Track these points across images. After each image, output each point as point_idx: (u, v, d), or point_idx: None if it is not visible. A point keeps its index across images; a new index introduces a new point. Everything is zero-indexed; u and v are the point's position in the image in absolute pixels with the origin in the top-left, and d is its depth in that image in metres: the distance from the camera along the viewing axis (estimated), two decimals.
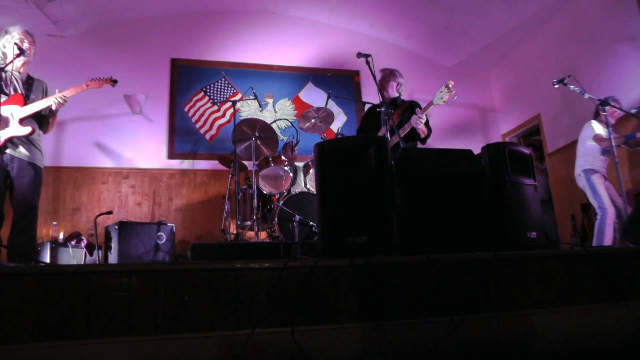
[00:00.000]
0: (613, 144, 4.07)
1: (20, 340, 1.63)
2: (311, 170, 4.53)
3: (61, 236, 4.90)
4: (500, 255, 2.11)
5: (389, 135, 3.60)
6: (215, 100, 6.09)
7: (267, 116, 6.10)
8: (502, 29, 6.04)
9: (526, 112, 6.36)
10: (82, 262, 4.38)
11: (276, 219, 4.24)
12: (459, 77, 6.79)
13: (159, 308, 1.75)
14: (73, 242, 4.57)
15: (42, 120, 3.31)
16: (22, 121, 3.12)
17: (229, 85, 6.12)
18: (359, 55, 3.55)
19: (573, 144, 4.88)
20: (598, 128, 4.40)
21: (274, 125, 5.36)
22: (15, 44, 3.12)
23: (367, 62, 3.45)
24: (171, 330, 1.74)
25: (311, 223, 4.15)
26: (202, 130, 5.95)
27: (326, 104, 5.14)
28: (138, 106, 5.70)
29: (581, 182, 4.47)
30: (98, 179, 5.49)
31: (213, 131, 5.98)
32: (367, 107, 4.84)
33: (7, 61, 3.13)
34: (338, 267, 1.94)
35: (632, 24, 4.74)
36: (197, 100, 6.03)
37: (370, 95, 6.10)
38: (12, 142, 3.09)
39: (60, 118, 3.55)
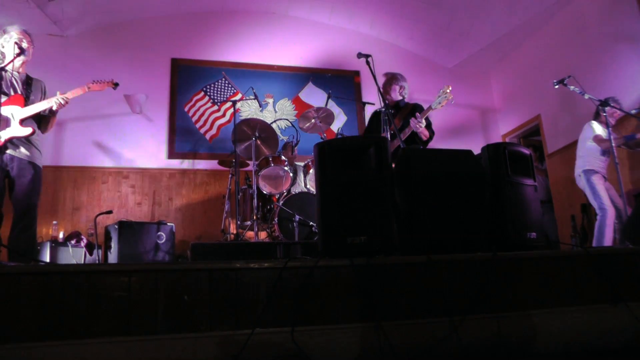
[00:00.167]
0: (613, 144, 4.07)
1: (20, 340, 1.63)
2: (311, 171, 4.53)
3: (61, 236, 4.90)
4: (500, 256, 2.11)
5: (389, 137, 3.60)
6: (216, 100, 6.09)
7: (267, 116, 6.10)
8: (502, 29, 6.04)
9: (526, 113, 6.37)
10: (82, 262, 4.38)
11: (276, 219, 4.24)
12: (460, 77, 6.83)
13: (159, 308, 1.75)
14: (73, 242, 4.57)
15: (41, 120, 3.31)
16: (23, 122, 3.12)
17: (229, 85, 6.12)
18: (359, 55, 3.55)
19: (573, 145, 4.88)
20: (598, 129, 4.40)
21: (274, 125, 5.36)
22: (16, 43, 3.12)
23: (368, 63, 3.45)
24: (171, 330, 1.74)
25: (311, 223, 4.15)
26: (202, 130, 5.95)
27: (326, 104, 5.14)
28: (138, 106, 5.71)
29: (581, 182, 4.47)
30: (98, 179, 5.49)
31: (213, 131, 5.98)
32: (367, 107, 4.86)
33: (7, 61, 3.12)
34: (338, 267, 1.94)
35: (632, 25, 4.74)
36: (197, 100, 6.03)
37: (371, 96, 6.10)
38: (11, 142, 3.09)
39: (60, 117, 3.56)
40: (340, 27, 6.66)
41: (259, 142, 4.64)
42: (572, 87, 4.21)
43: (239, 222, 4.40)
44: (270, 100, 6.26)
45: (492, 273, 2.07)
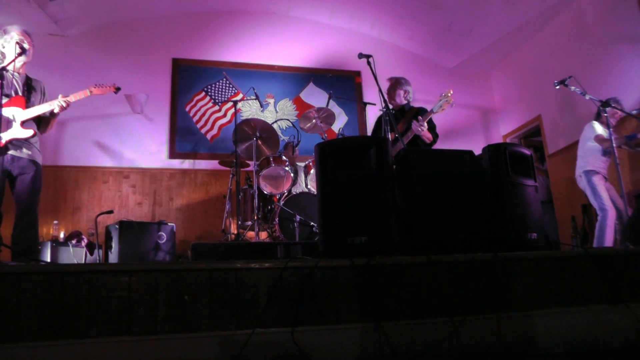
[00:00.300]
0: (614, 144, 4.07)
1: (21, 339, 1.63)
2: (312, 171, 4.53)
3: (62, 235, 4.91)
4: (500, 256, 2.11)
5: (390, 138, 3.60)
6: (217, 100, 6.10)
7: (268, 116, 6.11)
8: (503, 30, 6.04)
9: (527, 113, 6.36)
10: (83, 262, 4.38)
11: (277, 219, 4.24)
12: (460, 78, 6.83)
13: (159, 308, 1.76)
14: (73, 242, 4.57)
15: (40, 121, 3.31)
16: (24, 123, 3.13)
17: (230, 85, 6.13)
18: (360, 55, 3.55)
19: (574, 145, 4.88)
20: (599, 129, 4.39)
21: (275, 126, 5.36)
22: (17, 43, 3.11)
23: (369, 63, 3.46)
24: (171, 330, 1.74)
25: (312, 223, 4.15)
26: (203, 130, 5.95)
27: (327, 105, 5.14)
28: (139, 106, 5.71)
29: (582, 183, 4.47)
30: (99, 179, 5.49)
31: (214, 131, 5.99)
32: (368, 107, 4.86)
33: (7, 61, 3.12)
34: (338, 267, 1.94)
35: (632, 25, 4.74)
36: (198, 100, 6.03)
37: (372, 96, 6.09)
38: (12, 142, 3.10)
39: (61, 117, 3.55)
40: (341, 28, 6.66)
41: (259, 142, 4.64)
42: (573, 88, 4.21)
43: (239, 222, 4.40)
44: (271, 101, 6.26)
45: (492, 273, 2.07)
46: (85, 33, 5.83)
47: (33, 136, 3.16)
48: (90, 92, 3.37)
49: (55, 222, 4.98)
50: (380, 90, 3.64)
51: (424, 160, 2.35)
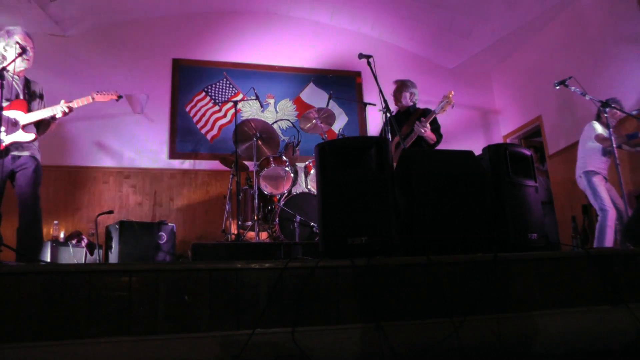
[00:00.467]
0: (614, 145, 4.07)
1: (21, 339, 1.63)
2: (312, 171, 4.53)
3: (62, 235, 4.91)
4: (500, 257, 2.11)
5: (390, 137, 3.61)
6: (217, 101, 6.10)
7: (268, 116, 6.11)
8: (503, 30, 6.04)
9: (527, 114, 6.36)
10: (83, 262, 4.38)
11: (277, 220, 4.24)
12: (461, 78, 6.83)
13: (160, 308, 1.76)
14: (74, 242, 4.57)
15: (40, 123, 3.31)
16: (25, 127, 3.14)
17: (231, 86, 6.13)
18: (361, 56, 3.56)
19: (574, 146, 4.87)
20: (599, 128, 4.39)
21: (275, 126, 5.36)
22: (18, 42, 3.11)
23: (369, 63, 3.47)
24: (171, 330, 1.74)
25: (312, 224, 4.15)
26: (203, 131, 5.96)
27: (327, 105, 5.14)
28: (139, 106, 5.71)
29: (582, 183, 4.46)
30: (99, 179, 5.49)
31: (214, 131, 5.99)
32: (368, 108, 4.86)
33: (8, 61, 3.11)
34: (338, 267, 1.94)
35: (633, 26, 4.74)
36: (198, 101, 6.04)
37: (372, 97, 6.08)
38: (13, 145, 3.11)
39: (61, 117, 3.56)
40: (342, 28, 6.66)
41: (260, 142, 4.64)
42: (573, 88, 4.21)
43: (239, 223, 4.40)
44: (272, 101, 6.26)
45: (492, 274, 2.07)
46: (86, 33, 5.83)
47: (34, 140, 3.17)
48: (93, 98, 3.38)
49: (55, 222, 4.98)
50: (380, 91, 3.65)
51: (424, 160, 2.35)
